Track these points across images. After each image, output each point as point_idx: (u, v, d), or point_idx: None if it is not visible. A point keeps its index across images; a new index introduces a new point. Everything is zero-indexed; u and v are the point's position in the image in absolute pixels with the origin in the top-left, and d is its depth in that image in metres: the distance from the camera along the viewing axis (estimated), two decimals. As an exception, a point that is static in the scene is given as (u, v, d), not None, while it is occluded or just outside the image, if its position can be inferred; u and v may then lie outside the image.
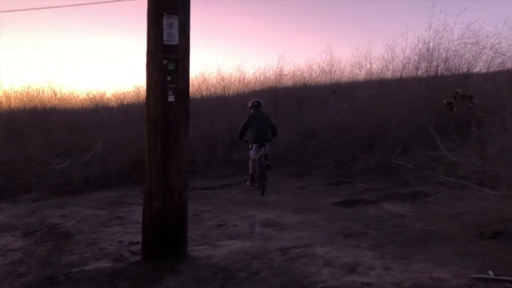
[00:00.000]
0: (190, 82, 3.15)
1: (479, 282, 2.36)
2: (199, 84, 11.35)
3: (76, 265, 2.93)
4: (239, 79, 11.71)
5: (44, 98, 11.24)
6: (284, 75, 11.26)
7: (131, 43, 23.49)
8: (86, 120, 9.91)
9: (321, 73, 11.32)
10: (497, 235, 3.06)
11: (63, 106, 11.17)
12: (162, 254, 2.87)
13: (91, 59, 20.92)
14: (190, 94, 3.15)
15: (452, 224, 3.45)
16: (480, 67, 8.06)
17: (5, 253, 3.36)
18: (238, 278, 2.60)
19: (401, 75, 8.85)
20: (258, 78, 11.78)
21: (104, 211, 4.94)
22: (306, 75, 11.54)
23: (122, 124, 9.27)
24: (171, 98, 2.89)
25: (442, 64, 7.93)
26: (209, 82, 11.58)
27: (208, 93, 11.50)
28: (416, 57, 8.34)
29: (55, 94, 11.36)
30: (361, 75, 10.55)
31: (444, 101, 4.67)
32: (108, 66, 21.20)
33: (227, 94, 11.50)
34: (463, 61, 7.91)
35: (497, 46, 7.40)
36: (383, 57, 9.60)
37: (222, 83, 11.57)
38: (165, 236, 2.87)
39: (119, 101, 12.12)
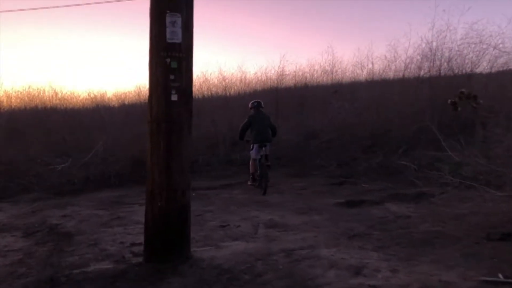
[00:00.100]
0: (191, 81, 3.10)
1: (489, 285, 2.32)
2: (200, 84, 11.32)
3: (77, 266, 2.89)
4: (241, 79, 11.68)
5: (44, 98, 11.22)
6: (285, 75, 11.23)
7: (132, 43, 23.48)
8: (87, 120, 9.88)
9: (322, 73, 11.29)
10: (504, 237, 3.01)
11: (64, 106, 11.15)
12: (164, 255, 2.83)
13: (92, 58, 20.94)
14: (191, 94, 3.10)
15: (458, 225, 3.40)
16: (483, 67, 8.02)
17: (5, 253, 3.32)
18: (242, 280, 2.56)
19: (403, 75, 8.81)
20: (259, 78, 11.76)
21: (105, 211, 4.90)
22: (308, 75, 11.51)
23: (123, 124, 9.24)
24: (174, 97, 2.85)
25: (445, 64, 7.89)
26: (210, 82, 11.55)
27: (209, 93, 11.46)
28: (418, 57, 8.30)
29: (56, 93, 11.34)
30: (363, 75, 10.50)
31: (449, 101, 4.62)
32: (109, 65, 21.22)
33: (228, 94, 11.46)
34: (466, 61, 7.87)
35: (500, 45, 7.37)
36: (385, 57, 9.55)
37: (223, 83, 11.54)
38: (168, 237, 2.83)
39: (120, 101, 12.10)
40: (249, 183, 6.28)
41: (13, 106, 10.99)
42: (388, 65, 9.39)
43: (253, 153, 6.07)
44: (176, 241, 2.86)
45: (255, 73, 12.34)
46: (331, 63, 11.13)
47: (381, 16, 21.39)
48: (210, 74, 11.62)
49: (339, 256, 2.89)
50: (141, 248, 3.02)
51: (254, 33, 22.96)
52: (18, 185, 6.67)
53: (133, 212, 4.70)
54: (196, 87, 11.19)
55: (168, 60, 2.84)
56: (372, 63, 10.12)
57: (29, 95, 11.24)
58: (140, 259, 2.93)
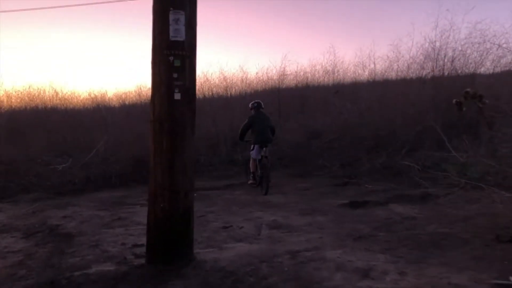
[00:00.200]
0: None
1: (500, 288, 2.26)
2: (201, 84, 11.26)
3: (78, 268, 2.83)
4: (242, 79, 11.63)
5: (45, 98, 11.18)
6: (287, 75, 11.18)
7: (132, 43, 23.45)
8: (87, 120, 9.83)
9: (324, 73, 11.24)
10: (514, 239, 2.95)
11: (65, 105, 11.10)
12: (167, 257, 2.77)
13: (93, 58, 20.88)
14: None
15: (465, 226, 3.34)
16: (487, 67, 7.97)
17: (5, 255, 3.27)
18: (247, 283, 2.50)
19: (406, 75, 8.76)
20: (261, 78, 11.71)
21: (106, 212, 4.85)
22: (309, 75, 11.46)
23: (123, 124, 9.19)
24: (177, 96, 2.80)
25: (449, 63, 7.83)
26: (211, 82, 11.49)
27: (210, 93, 11.41)
28: (422, 57, 8.25)
29: (56, 93, 11.30)
30: (364, 75, 10.45)
31: (454, 100, 4.57)
32: (110, 65, 21.17)
33: (229, 94, 11.41)
34: (470, 61, 7.82)
35: (504, 45, 7.31)
36: (388, 57, 9.50)
37: (224, 83, 11.49)
38: (171, 238, 2.77)
39: (120, 101, 12.05)
40: (249, 181, 6.29)
41: (13, 106, 10.95)
42: (391, 65, 9.35)
43: (253, 153, 6.09)
44: (179, 243, 2.80)
45: (257, 73, 12.26)
46: (332, 63, 11.09)
47: (383, 16, 21.34)
48: (211, 74, 11.57)
49: (345, 258, 2.83)
50: (143, 249, 2.96)
51: (255, 33, 22.93)
52: (19, 185, 6.62)
53: (134, 213, 4.65)
54: (197, 87, 11.07)
55: (171, 58, 2.78)
56: (374, 63, 10.08)
57: (29, 95, 11.20)
58: (143, 261, 2.87)
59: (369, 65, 10.07)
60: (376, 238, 3.32)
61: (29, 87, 11.38)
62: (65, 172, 7.08)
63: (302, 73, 11.46)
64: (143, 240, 3.04)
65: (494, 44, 7.22)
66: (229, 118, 9.29)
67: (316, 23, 22.91)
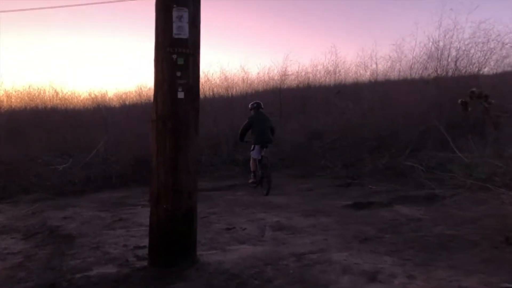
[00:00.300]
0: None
1: (513, 292, 2.21)
2: (202, 84, 11.19)
3: (79, 270, 2.77)
4: (243, 79, 11.58)
5: (45, 98, 11.13)
6: (288, 75, 11.13)
7: (132, 43, 23.40)
8: (87, 120, 9.77)
9: (325, 73, 11.19)
10: (524, 241, 2.89)
11: (65, 105, 11.05)
12: (170, 259, 2.71)
13: (93, 58, 20.83)
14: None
15: (473, 228, 3.28)
16: (491, 66, 7.92)
17: (4, 256, 3.21)
18: (251, 285, 2.44)
19: (409, 75, 8.71)
20: (262, 78, 11.66)
21: (107, 212, 4.79)
22: (311, 75, 11.41)
23: (124, 124, 9.13)
24: (180, 95, 2.74)
25: (452, 63, 7.78)
26: (212, 82, 11.44)
27: (211, 93, 11.36)
28: (425, 57, 8.20)
29: (57, 93, 11.24)
30: (366, 75, 10.40)
31: (459, 100, 4.51)
32: (110, 65, 21.11)
33: (230, 94, 11.36)
34: (474, 61, 7.77)
35: (508, 45, 7.26)
36: (390, 57, 9.45)
37: (225, 83, 11.44)
38: (174, 240, 2.71)
39: (121, 101, 11.99)
40: (250, 180, 6.29)
41: (13, 106, 10.89)
42: (393, 65, 9.30)
43: (254, 153, 6.11)
44: (182, 245, 2.74)
45: (258, 73, 12.22)
46: (334, 63, 11.04)
47: (386, 16, 21.28)
48: (212, 74, 11.52)
49: (351, 261, 2.77)
50: (145, 251, 2.91)
51: (256, 33, 22.84)
52: (18, 185, 6.57)
53: (136, 214, 4.59)
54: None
55: (174, 56, 2.73)
56: (376, 63, 10.03)
57: (29, 95, 11.15)
58: (145, 263, 2.82)
59: (371, 65, 10.02)
60: (382, 240, 3.26)
61: (29, 87, 11.35)
62: (65, 173, 7.03)
63: (303, 73, 11.43)
64: (145, 241, 2.98)
65: (498, 43, 7.17)
66: (230, 118, 9.24)
67: (318, 23, 22.87)
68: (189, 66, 2.78)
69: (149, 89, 10.64)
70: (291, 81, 11.30)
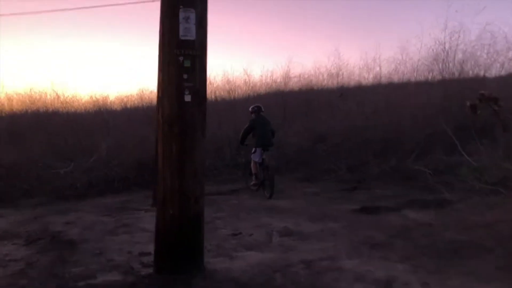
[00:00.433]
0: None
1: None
2: (204, 87, 11.12)
3: (83, 278, 2.70)
4: (246, 82, 11.52)
5: (46, 101, 11.04)
6: (291, 78, 11.07)
7: (134, 46, 23.37)
8: (89, 123, 9.70)
9: (329, 76, 11.13)
10: (540, 247, 2.81)
11: (66, 109, 10.96)
12: (176, 267, 2.63)
13: (94, 61, 20.75)
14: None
15: (486, 234, 3.20)
16: (497, 69, 7.85)
17: (6, 263, 3.13)
18: (261, 294, 2.36)
19: (414, 77, 8.64)
20: (265, 81, 11.59)
21: (109, 217, 4.71)
22: (314, 78, 11.35)
23: (125, 127, 9.07)
24: (187, 98, 2.68)
25: (458, 65, 7.72)
26: (215, 85, 11.36)
27: (213, 96, 11.29)
28: (430, 59, 8.13)
29: (58, 97, 11.15)
30: (370, 78, 10.34)
31: (468, 103, 4.45)
32: (111, 69, 21.05)
33: (233, 97, 11.29)
34: (480, 63, 7.70)
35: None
36: (394, 59, 9.39)
37: (228, 86, 11.38)
38: (180, 247, 2.64)
39: (122, 104, 11.93)
40: (252, 183, 6.29)
41: (14, 109, 10.83)
42: (398, 67, 9.23)
43: (255, 156, 6.14)
44: (188, 252, 2.66)
45: (261, 76, 12.11)
46: (337, 66, 10.98)
47: (390, 18, 21.20)
48: (214, 77, 11.45)
49: (363, 268, 2.69)
50: (151, 258, 2.83)
51: (259, 36, 22.74)
52: (20, 189, 6.49)
53: (139, 219, 4.51)
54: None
55: (181, 58, 2.67)
56: (380, 66, 9.96)
57: (31, 98, 11.07)
58: (150, 270, 2.74)
59: (375, 68, 9.95)
60: (392, 246, 3.18)
61: (31, 90, 11.28)
62: (67, 176, 6.95)
63: (306, 76, 11.35)
64: (150, 248, 2.90)
65: (505, 44, 7.10)
66: (232, 122, 9.17)
67: (321, 25, 22.81)
68: (196, 69, 2.72)
69: (151, 92, 10.57)
70: (294, 84, 11.24)
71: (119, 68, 20.63)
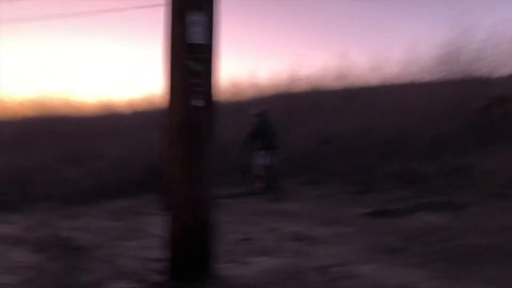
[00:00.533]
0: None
1: None
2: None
3: (95, 286, 2.66)
4: (251, 84, 11.48)
5: (56, 106, 11.16)
6: (297, 80, 11.00)
7: (144, 51, 23.53)
8: (98, 128, 9.76)
9: (336, 78, 11.03)
10: None
11: (76, 113, 11.06)
12: (189, 273, 2.58)
13: (104, 66, 20.92)
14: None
15: (508, 238, 3.09)
16: (506, 69, 7.70)
17: (15, 270, 3.10)
18: (276, 302, 2.30)
19: (422, 79, 8.51)
20: (270, 83, 11.54)
21: (120, 222, 4.70)
22: (321, 80, 11.25)
23: (135, 131, 9.09)
24: (196, 103, 2.64)
25: (467, 66, 7.58)
26: (220, 88, 11.33)
27: (219, 99, 11.25)
28: (438, 60, 8.00)
29: (68, 101, 11.28)
30: (378, 79, 10.21)
31: (478, 104, 4.35)
32: (121, 73, 21.21)
33: (238, 99, 11.26)
34: (488, 64, 7.56)
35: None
36: (401, 60, 9.26)
37: (233, 89, 11.36)
38: (193, 253, 2.59)
39: (132, 109, 11.98)
40: (257, 185, 6.30)
41: (24, 114, 10.95)
42: (405, 68, 9.11)
43: (260, 159, 6.20)
44: (202, 258, 2.61)
45: (267, 78, 12.10)
46: (344, 68, 10.87)
47: (397, 20, 20.96)
48: (220, 79, 11.41)
49: (381, 274, 2.62)
50: (164, 265, 2.78)
51: (265, 37, 22.68)
52: (29, 194, 6.52)
53: (150, 224, 4.48)
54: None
55: (190, 62, 2.63)
56: (387, 67, 9.84)
57: (40, 103, 11.20)
58: (163, 277, 2.69)
59: (382, 69, 9.83)
60: (409, 251, 3.10)
61: (40, 95, 11.41)
62: (77, 181, 6.97)
63: (313, 78, 11.27)
64: (162, 254, 2.86)
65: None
66: (238, 124, 9.13)
67: (328, 27, 22.63)
68: (206, 73, 2.68)
69: (161, 96, 10.57)
70: (301, 86, 11.15)
71: (128, 72, 20.78)
